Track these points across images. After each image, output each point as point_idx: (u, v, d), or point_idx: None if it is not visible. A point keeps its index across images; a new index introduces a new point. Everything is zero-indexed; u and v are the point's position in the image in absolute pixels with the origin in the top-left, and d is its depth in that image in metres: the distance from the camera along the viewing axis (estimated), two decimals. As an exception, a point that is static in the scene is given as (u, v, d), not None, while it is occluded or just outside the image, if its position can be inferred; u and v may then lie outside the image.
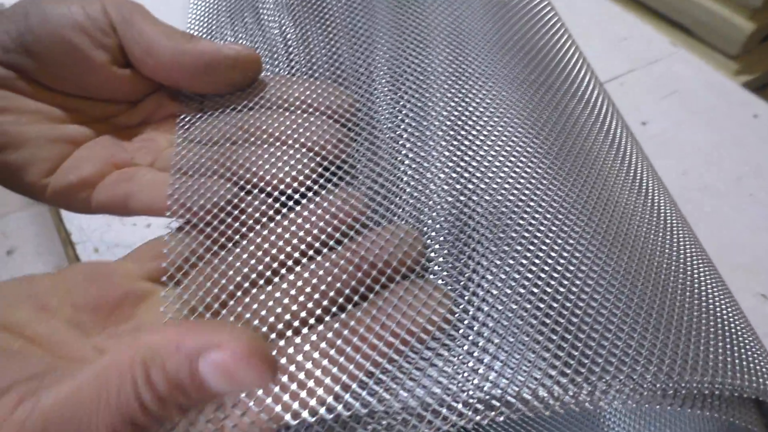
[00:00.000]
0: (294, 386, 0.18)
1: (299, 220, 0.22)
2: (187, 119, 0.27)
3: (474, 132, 0.26)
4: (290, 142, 0.25)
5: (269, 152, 0.25)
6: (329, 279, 0.21)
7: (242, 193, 0.24)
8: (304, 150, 0.25)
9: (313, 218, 0.22)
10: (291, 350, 0.19)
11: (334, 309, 0.21)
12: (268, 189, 0.24)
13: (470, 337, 0.20)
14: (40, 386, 0.16)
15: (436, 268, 0.22)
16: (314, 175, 0.24)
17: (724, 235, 0.55)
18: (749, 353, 0.22)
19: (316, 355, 0.19)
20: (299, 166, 0.24)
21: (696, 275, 0.24)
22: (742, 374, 0.21)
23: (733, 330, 0.23)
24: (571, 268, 0.21)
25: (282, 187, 0.24)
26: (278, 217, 0.23)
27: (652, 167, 0.32)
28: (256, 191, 0.24)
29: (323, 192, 0.24)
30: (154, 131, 0.28)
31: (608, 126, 0.31)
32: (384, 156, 0.26)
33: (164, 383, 0.16)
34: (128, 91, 0.28)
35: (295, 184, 0.24)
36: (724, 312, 0.23)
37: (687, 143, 0.62)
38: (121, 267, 0.22)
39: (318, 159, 0.25)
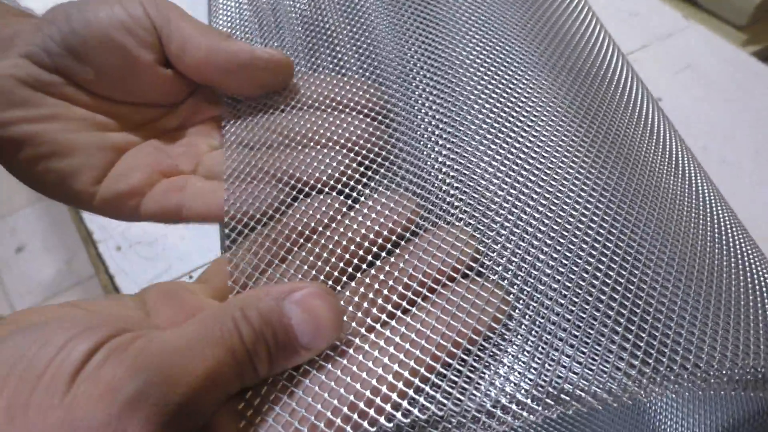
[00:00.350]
0: (368, 393, 0.18)
1: (355, 225, 0.22)
2: (231, 122, 0.27)
3: (519, 123, 0.26)
4: (329, 143, 0.25)
5: (311, 155, 0.25)
6: (391, 283, 0.21)
7: (294, 193, 0.24)
8: (344, 150, 0.25)
9: (369, 222, 0.22)
10: (361, 357, 0.19)
11: (398, 312, 0.21)
12: (319, 188, 0.24)
13: (535, 332, 0.20)
14: (150, 332, 0.18)
15: (493, 265, 0.22)
16: (357, 175, 0.24)
17: (746, 210, 0.55)
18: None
19: (386, 360, 0.19)
20: (340, 166, 0.24)
21: (741, 254, 0.25)
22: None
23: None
24: (634, 258, 0.22)
25: (327, 189, 0.24)
26: (333, 223, 0.23)
27: (687, 147, 0.31)
28: (309, 191, 0.24)
29: (375, 195, 0.24)
30: (193, 135, 0.29)
31: (642, 109, 0.31)
32: (422, 150, 0.26)
33: (258, 319, 0.18)
34: (170, 92, 0.28)
35: (339, 186, 0.24)
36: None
37: (703, 118, 0.62)
38: (192, 287, 0.22)
39: (358, 158, 0.25)
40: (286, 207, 0.23)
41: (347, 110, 0.27)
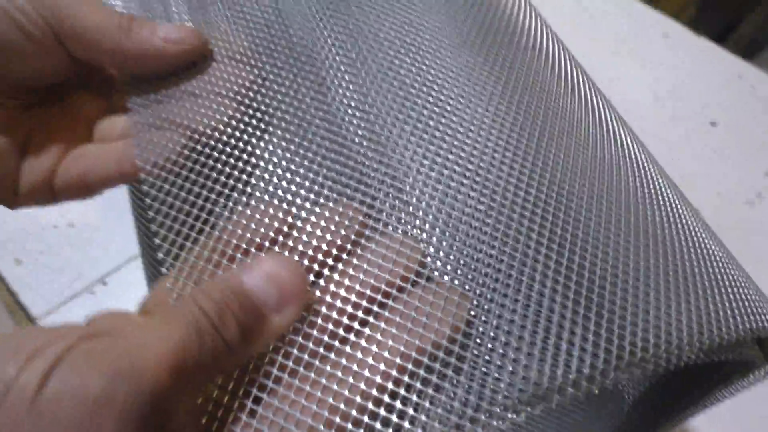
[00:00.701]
0: (327, 413, 0.18)
1: (303, 241, 0.21)
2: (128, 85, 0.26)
3: (429, 80, 0.25)
4: (220, 92, 0.25)
5: (204, 105, 0.25)
6: (341, 299, 0.20)
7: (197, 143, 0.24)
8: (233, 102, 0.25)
9: (315, 242, 0.21)
10: (324, 380, 0.18)
11: (356, 326, 0.19)
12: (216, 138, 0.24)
13: (491, 333, 0.20)
14: (115, 332, 0.17)
15: (441, 267, 0.21)
16: (249, 128, 0.24)
17: (655, 156, 0.57)
18: (746, 295, 0.23)
19: (351, 380, 0.18)
20: (227, 114, 0.24)
21: (686, 222, 0.25)
22: (746, 318, 0.22)
23: (728, 273, 0.24)
24: (582, 238, 0.21)
25: (223, 138, 0.24)
26: (280, 237, 0.21)
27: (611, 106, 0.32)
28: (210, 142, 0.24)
29: (317, 209, 0.22)
30: (84, 102, 0.28)
31: (565, 72, 0.31)
32: (335, 115, 0.25)
33: (218, 292, 0.18)
34: (60, 73, 0.26)
35: (234, 135, 0.24)
36: (718, 257, 0.24)
37: (602, 70, 0.64)
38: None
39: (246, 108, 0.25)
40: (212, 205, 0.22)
41: (234, 62, 0.26)
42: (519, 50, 0.29)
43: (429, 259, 0.21)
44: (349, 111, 0.25)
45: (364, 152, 0.24)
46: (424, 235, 0.21)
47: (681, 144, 0.58)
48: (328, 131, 0.24)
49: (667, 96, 0.62)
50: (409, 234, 0.21)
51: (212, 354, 0.17)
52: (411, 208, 0.22)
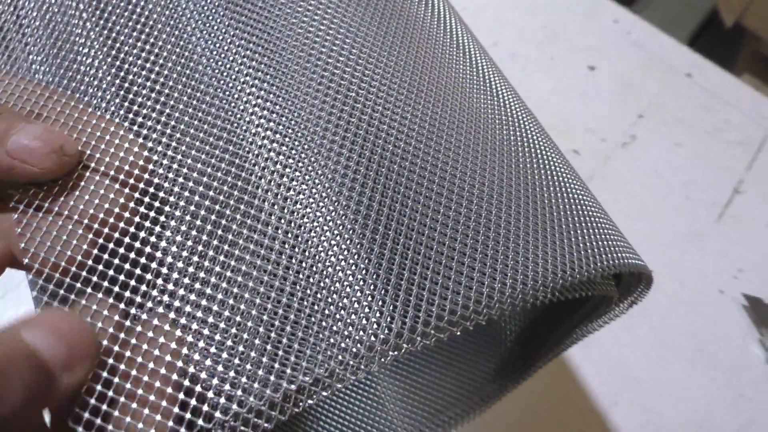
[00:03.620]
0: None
1: None
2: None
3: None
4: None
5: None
6: None
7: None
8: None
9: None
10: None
11: None
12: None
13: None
14: None
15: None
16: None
17: (534, 99, 0.59)
18: (603, 234, 0.25)
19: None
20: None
21: (550, 164, 0.26)
22: (607, 255, 0.23)
23: (586, 213, 0.25)
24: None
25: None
26: None
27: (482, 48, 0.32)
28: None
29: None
30: None
31: (439, 14, 0.31)
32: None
33: None
34: None
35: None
36: (579, 198, 0.25)
37: (481, 13, 0.64)
38: None
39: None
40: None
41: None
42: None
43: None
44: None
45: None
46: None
47: (560, 87, 0.60)
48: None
49: (546, 40, 0.63)
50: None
51: None
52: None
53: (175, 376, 0.18)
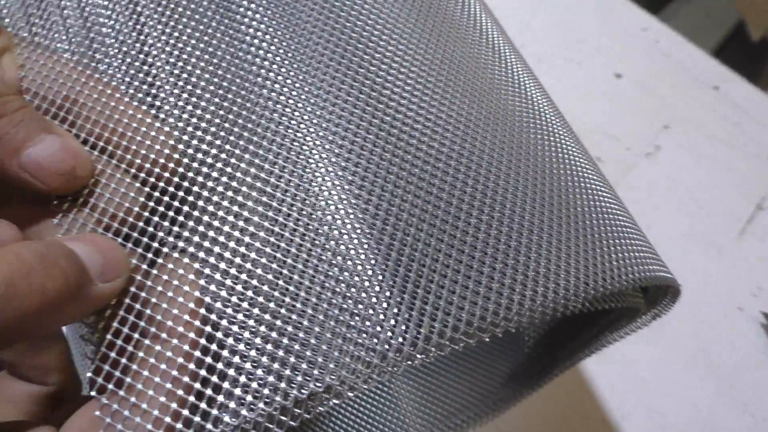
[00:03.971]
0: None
1: None
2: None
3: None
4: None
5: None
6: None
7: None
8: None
9: None
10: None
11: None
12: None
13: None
14: None
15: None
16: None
17: (559, 104, 0.58)
18: (633, 245, 0.24)
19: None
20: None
21: (583, 173, 0.26)
22: (639, 267, 0.23)
23: (617, 224, 0.25)
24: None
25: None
26: None
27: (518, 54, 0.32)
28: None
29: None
30: None
31: (476, 17, 0.30)
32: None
33: (40, 244, 0.16)
34: None
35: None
36: (610, 208, 0.25)
37: (512, 16, 0.64)
38: None
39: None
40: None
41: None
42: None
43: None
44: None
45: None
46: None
47: (586, 93, 0.60)
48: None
49: (574, 45, 0.63)
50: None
51: (28, 303, 0.15)
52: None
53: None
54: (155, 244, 0.19)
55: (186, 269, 0.19)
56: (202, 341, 0.18)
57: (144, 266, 0.19)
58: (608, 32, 0.64)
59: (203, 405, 0.17)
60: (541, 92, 0.29)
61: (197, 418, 0.17)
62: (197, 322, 0.18)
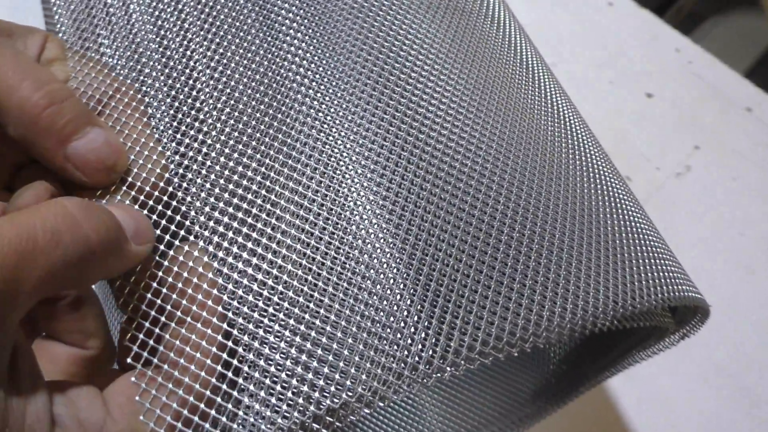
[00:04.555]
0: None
1: None
2: None
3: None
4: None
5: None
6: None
7: None
8: None
9: None
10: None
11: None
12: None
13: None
14: None
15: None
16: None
17: (589, 122, 0.58)
18: (663, 265, 0.24)
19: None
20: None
21: (614, 193, 0.26)
22: (668, 287, 0.23)
23: (647, 243, 0.25)
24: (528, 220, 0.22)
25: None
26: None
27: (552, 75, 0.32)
28: None
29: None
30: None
31: (511, 38, 0.31)
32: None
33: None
34: None
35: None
36: (640, 228, 0.25)
37: (544, 35, 0.64)
38: None
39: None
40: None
41: None
42: (473, 17, 0.29)
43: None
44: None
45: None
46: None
47: (617, 113, 0.60)
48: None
49: (606, 64, 0.63)
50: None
51: (73, 250, 0.17)
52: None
53: None
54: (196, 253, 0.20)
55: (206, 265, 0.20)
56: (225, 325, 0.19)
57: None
58: (640, 52, 0.64)
59: (235, 408, 0.18)
60: (573, 111, 0.30)
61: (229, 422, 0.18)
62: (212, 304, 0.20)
